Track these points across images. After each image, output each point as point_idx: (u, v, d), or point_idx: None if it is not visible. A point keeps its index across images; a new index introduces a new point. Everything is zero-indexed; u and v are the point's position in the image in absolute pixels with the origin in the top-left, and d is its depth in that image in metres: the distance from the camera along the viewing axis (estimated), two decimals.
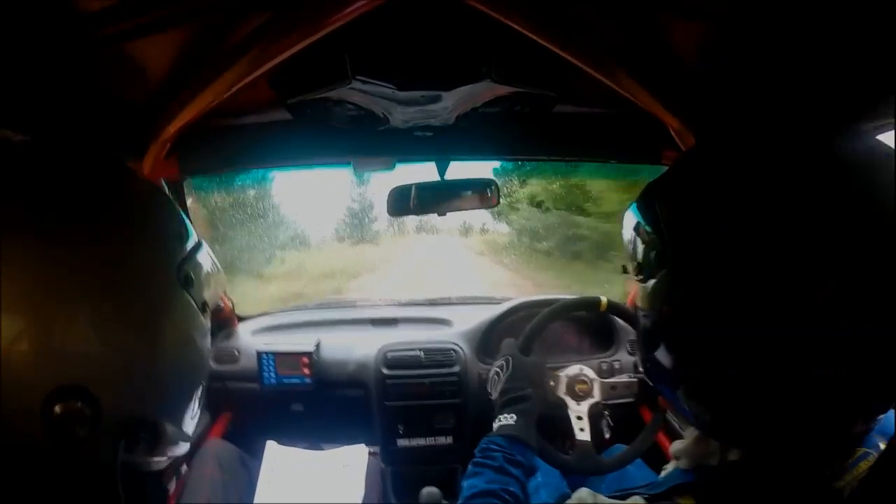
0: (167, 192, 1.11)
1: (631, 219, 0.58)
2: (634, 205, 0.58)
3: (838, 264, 0.43)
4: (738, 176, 0.49)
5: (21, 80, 0.58)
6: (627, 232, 0.59)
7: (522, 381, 0.91)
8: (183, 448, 0.62)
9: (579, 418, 1.00)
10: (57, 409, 0.47)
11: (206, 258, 0.65)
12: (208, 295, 0.63)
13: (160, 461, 0.60)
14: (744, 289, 0.45)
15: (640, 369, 1.29)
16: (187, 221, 0.64)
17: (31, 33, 0.56)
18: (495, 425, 0.86)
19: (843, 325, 0.43)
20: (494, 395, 0.93)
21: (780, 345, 0.45)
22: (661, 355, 0.54)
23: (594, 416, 1.02)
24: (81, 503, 0.51)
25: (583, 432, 0.99)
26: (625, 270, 0.60)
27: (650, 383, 0.60)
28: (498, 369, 0.95)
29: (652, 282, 0.54)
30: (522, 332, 1.02)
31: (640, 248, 0.56)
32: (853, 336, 0.43)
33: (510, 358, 0.94)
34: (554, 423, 0.99)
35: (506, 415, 0.85)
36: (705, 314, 0.48)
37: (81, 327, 0.49)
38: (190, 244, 0.61)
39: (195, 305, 0.59)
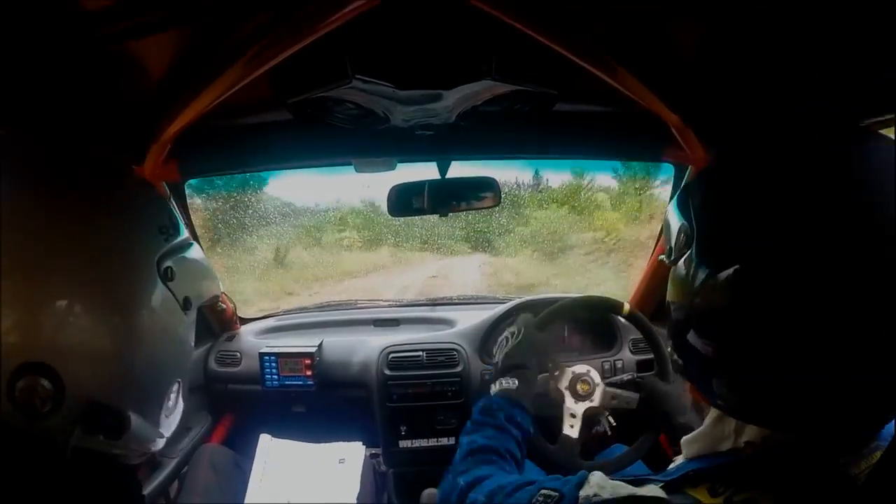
0: (167, 191, 1.11)
1: (671, 213, 0.60)
2: (674, 201, 0.60)
3: (858, 253, 0.44)
4: (768, 176, 0.51)
5: (21, 79, 0.58)
6: (668, 225, 0.61)
7: (528, 352, 0.92)
8: (157, 444, 0.63)
9: (573, 416, 1.01)
10: (21, 383, 0.48)
11: (194, 257, 0.65)
12: (194, 292, 0.63)
13: (131, 454, 0.60)
14: (773, 277, 0.47)
15: (641, 372, 1.31)
16: (177, 219, 0.64)
17: (31, 33, 0.56)
18: (494, 387, 0.87)
19: (867, 313, 0.44)
20: (498, 358, 0.94)
21: (808, 332, 0.46)
22: (692, 339, 0.54)
23: (589, 418, 1.03)
24: (35, 477, 0.52)
25: (572, 429, 1.00)
26: (665, 260, 0.61)
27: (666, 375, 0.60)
28: (509, 335, 0.96)
29: (686, 269, 0.55)
30: (548, 302, 1.03)
31: (678, 238, 0.57)
32: (876, 328, 0.44)
33: (524, 328, 0.96)
34: (546, 413, 1.00)
35: (508, 378, 0.87)
36: (738, 301, 0.49)
37: (53, 308, 0.49)
38: (175, 240, 0.61)
39: (176, 299, 0.59)
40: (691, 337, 0.54)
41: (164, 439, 0.64)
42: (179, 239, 0.62)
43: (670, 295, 0.59)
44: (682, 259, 0.55)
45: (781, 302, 0.46)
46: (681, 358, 0.58)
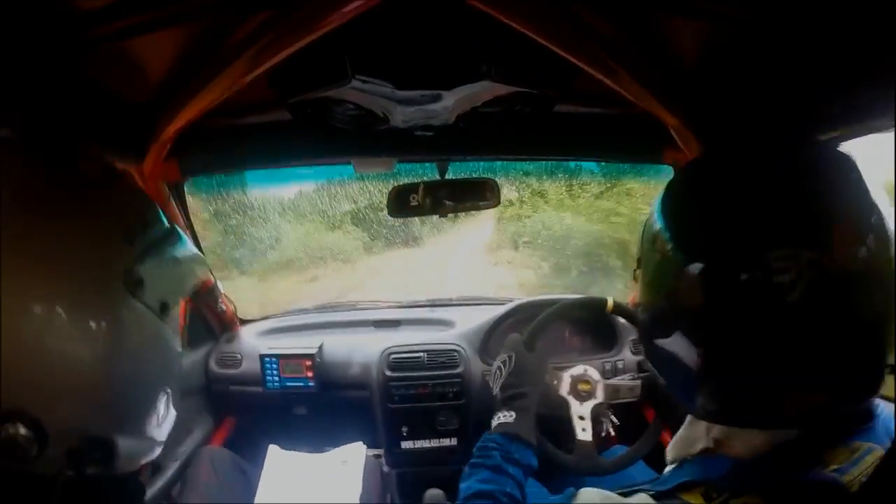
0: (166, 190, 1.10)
1: (649, 223, 0.60)
2: (656, 210, 0.60)
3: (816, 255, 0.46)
4: (741, 183, 0.52)
5: (19, 79, 0.58)
6: (645, 234, 0.61)
7: (523, 377, 0.90)
8: (153, 454, 0.60)
9: (581, 418, 1.00)
10: (2, 432, 0.45)
11: (170, 252, 0.59)
12: (171, 293, 0.58)
13: (125, 469, 0.57)
14: (741, 283, 0.47)
15: (644, 368, 1.31)
16: (147, 209, 0.59)
17: (30, 32, 0.56)
18: (494, 422, 0.86)
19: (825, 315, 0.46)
20: (496, 391, 0.92)
21: (771, 336, 0.47)
22: (664, 345, 0.55)
23: (596, 416, 1.02)
24: None
25: (584, 432, 0.99)
26: (638, 267, 0.62)
27: (658, 380, 0.61)
28: (500, 364, 0.94)
29: (658, 269, 0.56)
30: (527, 328, 1.02)
31: (654, 247, 0.57)
32: (833, 326, 0.46)
33: (513, 354, 0.94)
34: (555, 423, 0.99)
35: (504, 412, 0.85)
36: (705, 307, 0.50)
37: (19, 348, 0.45)
38: (146, 239, 0.55)
39: (150, 309, 0.54)
40: (660, 340, 0.55)
41: (161, 446, 0.62)
42: (152, 235, 0.56)
43: (640, 296, 0.59)
44: (655, 259, 0.56)
45: (750, 301, 0.47)
46: (651, 362, 0.59)
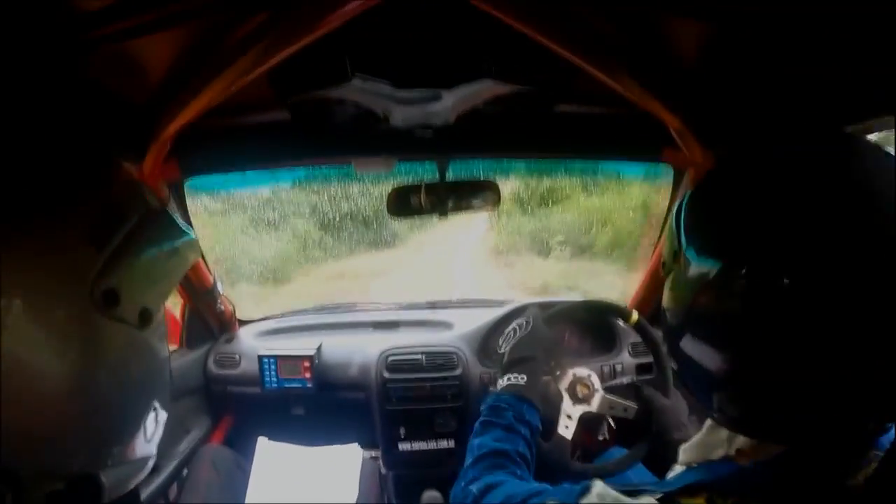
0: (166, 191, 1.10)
1: (674, 218, 0.59)
2: (678, 206, 0.59)
3: (850, 263, 0.44)
4: (771, 181, 0.50)
5: (19, 80, 0.58)
6: (671, 230, 0.60)
7: (536, 344, 0.91)
8: (144, 471, 0.56)
9: (569, 417, 1.01)
10: None
11: (149, 244, 0.51)
12: (154, 296, 0.51)
13: (119, 493, 0.52)
14: (768, 289, 0.46)
15: (640, 376, 1.32)
16: (119, 197, 0.51)
17: (29, 33, 0.55)
18: (502, 382, 0.86)
19: (858, 322, 0.44)
20: (504, 349, 0.94)
21: (800, 342, 0.45)
22: (685, 345, 0.54)
23: (584, 422, 1.02)
24: None
25: (566, 430, 1.00)
26: (665, 265, 0.60)
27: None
28: (517, 326, 0.95)
29: (686, 273, 0.54)
30: (554, 304, 1.04)
31: (681, 243, 0.56)
32: (866, 336, 0.44)
33: (532, 320, 0.95)
34: (544, 410, 1.00)
35: (515, 374, 0.86)
36: (746, 312, 0.48)
37: None
38: (117, 236, 0.47)
39: (128, 322, 0.47)
40: (685, 344, 0.54)
41: (153, 460, 0.57)
42: (124, 229, 0.48)
43: (667, 300, 0.58)
44: (683, 263, 0.54)
45: (782, 307, 0.45)
46: (676, 364, 0.58)
